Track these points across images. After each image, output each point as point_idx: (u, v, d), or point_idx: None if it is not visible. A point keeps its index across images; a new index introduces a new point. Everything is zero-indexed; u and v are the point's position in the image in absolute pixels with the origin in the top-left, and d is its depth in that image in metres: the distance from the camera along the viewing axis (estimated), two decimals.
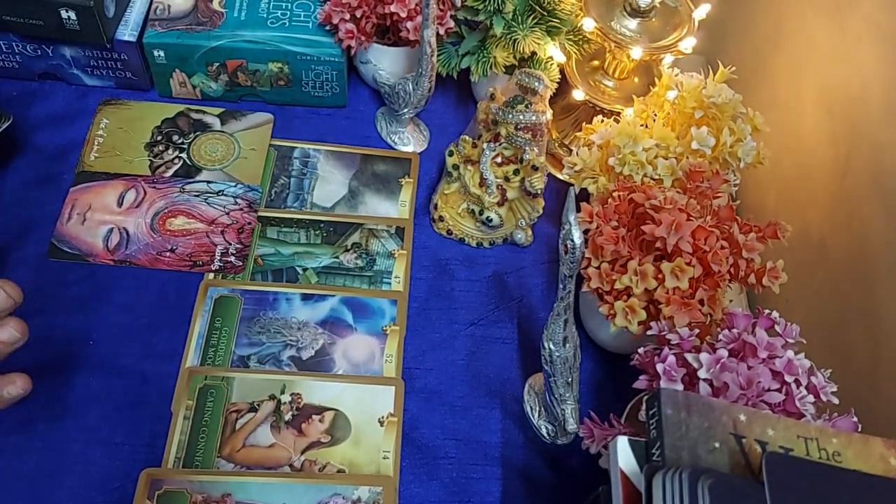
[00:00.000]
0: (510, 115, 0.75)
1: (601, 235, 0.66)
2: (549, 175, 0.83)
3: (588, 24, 0.79)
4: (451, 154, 0.82)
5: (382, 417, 0.70)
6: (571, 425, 0.66)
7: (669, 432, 0.49)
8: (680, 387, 0.57)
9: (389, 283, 0.79)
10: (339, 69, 0.87)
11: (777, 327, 0.61)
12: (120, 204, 0.80)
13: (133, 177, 0.82)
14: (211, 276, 0.77)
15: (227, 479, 0.65)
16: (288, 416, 0.69)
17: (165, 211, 0.80)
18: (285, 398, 0.70)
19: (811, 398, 0.57)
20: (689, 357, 0.58)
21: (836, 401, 0.58)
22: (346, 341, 0.74)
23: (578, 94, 0.84)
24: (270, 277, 0.78)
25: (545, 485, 0.70)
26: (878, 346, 0.67)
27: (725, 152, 0.72)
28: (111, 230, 0.78)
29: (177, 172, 0.83)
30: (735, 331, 0.60)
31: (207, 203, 0.81)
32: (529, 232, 0.83)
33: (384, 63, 0.88)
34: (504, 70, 0.84)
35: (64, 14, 0.78)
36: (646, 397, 0.52)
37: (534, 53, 0.82)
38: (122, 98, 0.88)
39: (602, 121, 0.78)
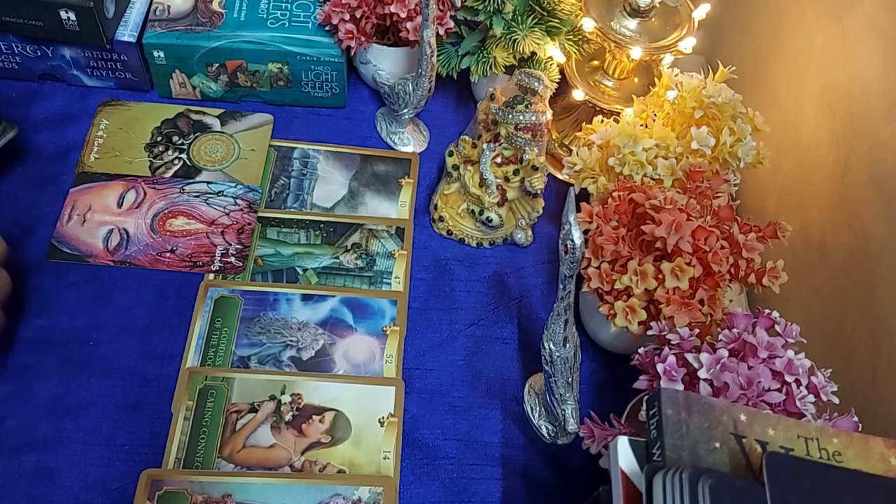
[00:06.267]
0: (510, 116, 0.75)
1: (601, 235, 0.66)
2: (549, 175, 0.83)
3: (588, 24, 0.79)
4: (450, 154, 0.82)
5: (383, 418, 0.70)
6: (572, 425, 0.66)
7: (670, 432, 0.49)
8: (680, 387, 0.57)
9: (389, 284, 0.79)
10: (338, 69, 0.87)
11: (777, 327, 0.61)
12: (120, 205, 0.80)
13: (133, 177, 0.82)
14: (211, 276, 0.77)
15: (227, 480, 0.65)
16: (288, 417, 0.69)
17: (165, 211, 0.80)
18: (286, 399, 0.70)
19: (811, 398, 0.57)
20: (690, 357, 0.58)
21: (836, 400, 0.58)
22: (346, 342, 0.74)
23: (578, 94, 0.84)
24: (270, 278, 0.78)
25: (545, 485, 0.70)
26: (878, 346, 0.67)
27: (725, 152, 0.72)
28: (111, 231, 0.78)
29: (177, 173, 0.83)
30: (735, 331, 0.60)
31: (207, 204, 0.81)
32: (529, 232, 0.83)
33: (384, 63, 0.88)
34: (504, 70, 0.84)
35: (64, 15, 0.78)
36: (646, 397, 0.52)
37: (533, 53, 0.82)
38: (122, 99, 0.88)
39: (602, 121, 0.78)
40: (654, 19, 0.80)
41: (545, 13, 0.81)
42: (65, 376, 0.70)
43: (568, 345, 0.65)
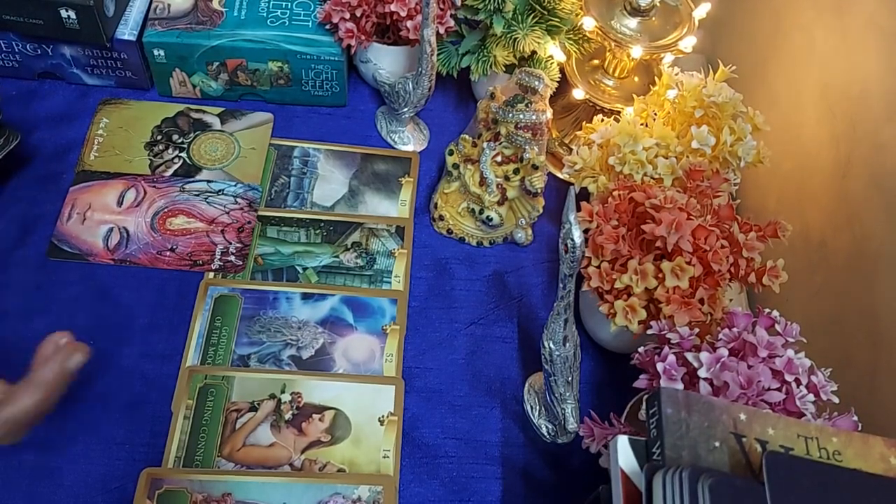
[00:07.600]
0: (510, 115, 0.75)
1: (601, 235, 0.66)
2: (550, 174, 0.83)
3: (588, 23, 0.79)
4: (451, 153, 0.82)
5: (382, 417, 0.70)
6: (572, 424, 0.66)
7: (670, 431, 0.49)
8: (680, 386, 0.57)
9: (389, 283, 0.79)
10: (338, 68, 0.87)
11: (777, 326, 0.61)
12: (120, 203, 0.80)
13: (133, 176, 0.82)
14: (211, 275, 0.77)
15: (227, 479, 0.65)
16: (288, 416, 0.69)
17: (165, 210, 0.80)
18: (285, 397, 0.70)
19: (811, 397, 0.57)
20: (690, 356, 0.58)
21: (836, 400, 0.58)
22: (346, 340, 0.74)
23: (578, 93, 0.84)
24: (270, 277, 0.78)
25: (545, 484, 0.70)
26: (878, 345, 0.67)
27: (726, 151, 0.72)
28: (111, 229, 0.78)
29: (177, 172, 0.83)
30: (735, 330, 0.60)
31: (207, 202, 0.81)
32: (529, 231, 0.83)
33: (384, 62, 0.88)
34: (504, 69, 0.84)
35: (64, 13, 0.78)
36: (646, 396, 0.52)
37: (534, 52, 0.82)
38: (122, 97, 0.88)
39: (602, 120, 0.78)
40: (654, 18, 0.80)
41: (545, 12, 0.81)
42: None
43: (568, 344, 0.65)
